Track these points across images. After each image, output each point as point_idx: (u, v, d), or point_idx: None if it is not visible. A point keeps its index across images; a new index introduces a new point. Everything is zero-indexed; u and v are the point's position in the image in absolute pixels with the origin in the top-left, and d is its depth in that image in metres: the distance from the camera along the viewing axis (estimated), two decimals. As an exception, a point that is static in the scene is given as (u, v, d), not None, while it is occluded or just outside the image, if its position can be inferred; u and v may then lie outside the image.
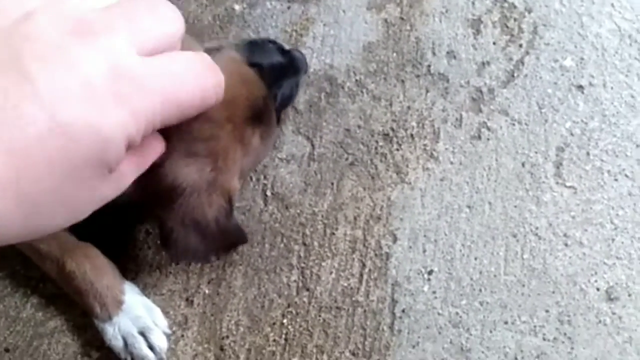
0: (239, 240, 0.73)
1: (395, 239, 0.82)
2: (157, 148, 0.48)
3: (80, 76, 0.33)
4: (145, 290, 0.80)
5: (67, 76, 0.32)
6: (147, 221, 0.82)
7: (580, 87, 0.87)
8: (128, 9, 0.37)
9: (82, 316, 0.78)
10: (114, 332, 0.75)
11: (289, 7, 0.89)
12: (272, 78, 0.70)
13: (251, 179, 0.83)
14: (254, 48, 0.71)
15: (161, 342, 0.76)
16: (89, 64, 0.33)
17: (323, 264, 0.82)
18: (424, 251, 0.82)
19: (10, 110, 0.31)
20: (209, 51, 0.63)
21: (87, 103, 0.33)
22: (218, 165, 0.60)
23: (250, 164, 0.67)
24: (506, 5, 0.89)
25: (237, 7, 0.88)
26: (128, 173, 0.42)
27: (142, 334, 0.76)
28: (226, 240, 0.68)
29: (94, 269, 0.75)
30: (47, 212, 0.34)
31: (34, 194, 0.32)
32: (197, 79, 0.42)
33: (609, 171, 0.85)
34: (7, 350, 0.79)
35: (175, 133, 0.53)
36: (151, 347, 0.76)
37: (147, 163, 0.46)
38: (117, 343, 0.75)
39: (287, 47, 0.78)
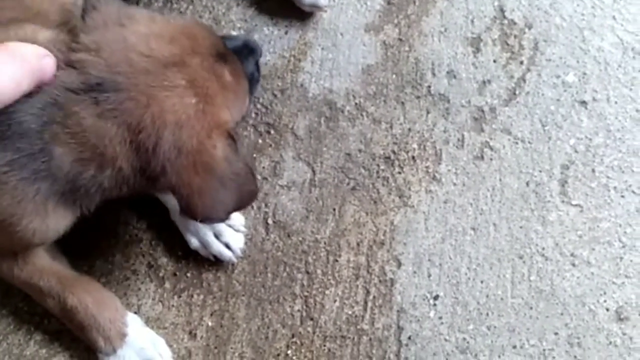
0: (250, 185, 0.68)
1: (399, 264, 0.81)
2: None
3: None
4: (147, 324, 0.79)
5: None
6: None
7: (583, 103, 0.86)
8: None
9: (87, 352, 0.78)
10: (119, 365, 0.75)
11: (286, 32, 0.88)
12: None
13: (252, 207, 0.82)
14: None
15: (166, 374, 0.76)
16: None
17: (327, 292, 0.81)
18: (429, 276, 0.81)
19: None
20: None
21: None
22: (199, 93, 0.60)
23: (232, 101, 0.66)
24: (506, 22, 0.88)
25: (234, 34, 0.87)
26: None
27: (147, 366, 0.75)
28: (240, 183, 0.65)
29: (96, 302, 0.74)
30: None
31: None
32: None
33: (615, 188, 0.83)
34: (11, 388, 0.79)
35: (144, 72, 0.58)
36: (156, 379, 0.76)
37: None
38: (122, 376, 0.75)
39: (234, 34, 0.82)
